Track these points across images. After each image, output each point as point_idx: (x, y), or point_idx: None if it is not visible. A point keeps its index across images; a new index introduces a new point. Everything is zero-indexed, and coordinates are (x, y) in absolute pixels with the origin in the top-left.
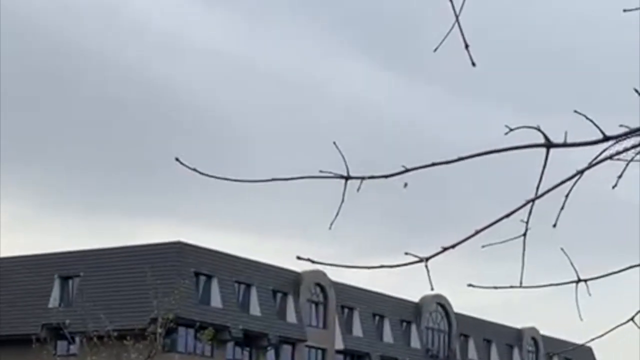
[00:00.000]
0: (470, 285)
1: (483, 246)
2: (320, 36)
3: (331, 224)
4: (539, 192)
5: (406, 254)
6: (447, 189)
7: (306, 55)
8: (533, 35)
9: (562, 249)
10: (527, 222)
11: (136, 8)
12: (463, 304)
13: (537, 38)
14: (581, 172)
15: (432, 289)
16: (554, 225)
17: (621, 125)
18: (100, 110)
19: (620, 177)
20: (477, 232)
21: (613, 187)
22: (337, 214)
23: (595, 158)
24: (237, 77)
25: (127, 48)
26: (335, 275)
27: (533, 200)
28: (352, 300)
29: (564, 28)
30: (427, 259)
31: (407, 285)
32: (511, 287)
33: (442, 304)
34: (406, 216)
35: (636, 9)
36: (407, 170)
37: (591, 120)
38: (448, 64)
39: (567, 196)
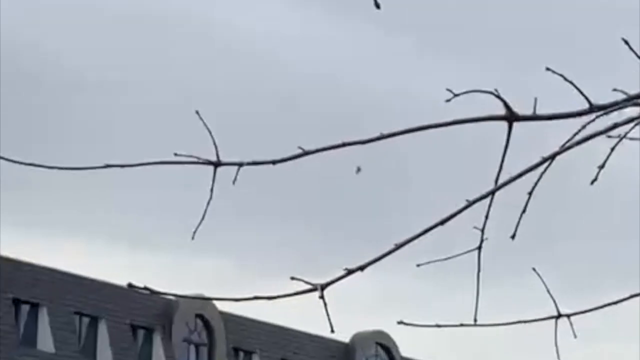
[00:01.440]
0: (401, 322)
1: (418, 265)
2: None
3: (194, 232)
4: (498, 185)
5: (293, 279)
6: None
7: None
8: None
9: (534, 269)
10: (482, 230)
11: None
12: (414, 344)
13: None
14: (550, 158)
15: (332, 330)
16: (512, 237)
17: (615, 90)
18: None
19: (602, 167)
20: (397, 247)
21: (592, 183)
22: (204, 216)
23: (572, 137)
24: (81, 21)
25: None
26: (226, 302)
27: (478, 200)
28: (250, 339)
29: None
30: (322, 287)
31: (335, 318)
32: (461, 325)
33: (383, 345)
34: (332, 221)
35: None
36: (305, 154)
37: (571, 82)
38: None
39: (530, 194)
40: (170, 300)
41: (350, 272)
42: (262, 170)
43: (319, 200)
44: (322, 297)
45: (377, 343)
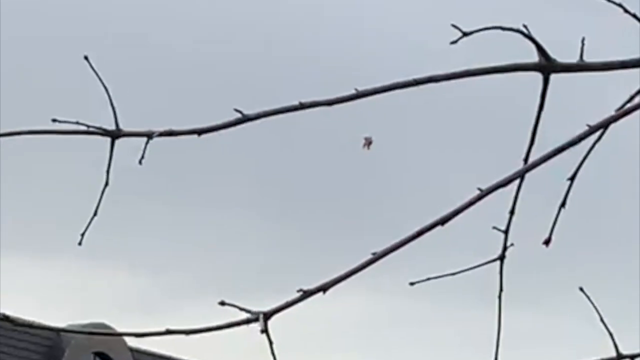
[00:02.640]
0: None
1: (412, 283)
2: None
3: (84, 231)
4: (527, 166)
5: (222, 304)
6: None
7: None
8: None
9: (581, 289)
10: (506, 232)
11: None
12: None
13: None
14: (602, 127)
15: None
16: (547, 243)
17: None
18: None
19: None
20: (376, 259)
21: None
22: (97, 207)
23: (634, 96)
24: None
25: None
26: (138, 336)
27: (497, 187)
28: None
29: None
30: (266, 316)
31: (293, 352)
32: None
33: None
34: (287, 220)
35: None
36: (244, 120)
37: (634, 15)
38: None
39: (571, 179)
40: (59, 331)
41: (307, 294)
42: (184, 143)
43: (270, 189)
44: (265, 330)
45: None
